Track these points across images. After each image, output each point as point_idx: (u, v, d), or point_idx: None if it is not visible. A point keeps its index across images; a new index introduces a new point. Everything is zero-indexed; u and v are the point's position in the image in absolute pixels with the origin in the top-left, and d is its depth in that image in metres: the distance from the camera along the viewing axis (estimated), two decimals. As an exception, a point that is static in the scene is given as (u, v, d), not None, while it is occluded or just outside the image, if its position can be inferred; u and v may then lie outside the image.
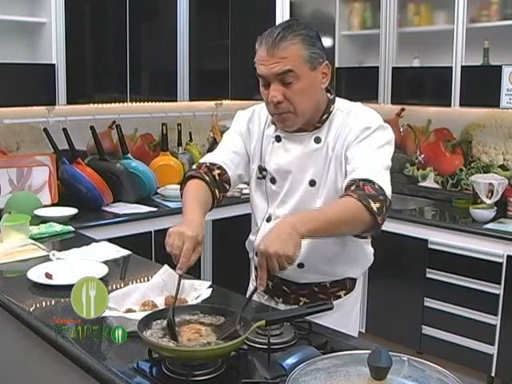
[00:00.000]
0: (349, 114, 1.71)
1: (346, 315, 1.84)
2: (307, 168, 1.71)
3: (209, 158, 1.83)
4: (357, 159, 1.62)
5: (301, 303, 1.81)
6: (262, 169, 1.80)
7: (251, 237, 1.88)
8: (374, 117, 1.70)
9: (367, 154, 1.62)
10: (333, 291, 1.81)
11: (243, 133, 1.84)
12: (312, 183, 1.71)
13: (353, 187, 1.55)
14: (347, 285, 1.84)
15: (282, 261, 1.38)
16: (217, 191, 1.76)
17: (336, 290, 1.82)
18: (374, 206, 1.50)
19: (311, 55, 1.61)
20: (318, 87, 1.67)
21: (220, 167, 1.79)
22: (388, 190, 1.57)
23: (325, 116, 1.72)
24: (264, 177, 1.80)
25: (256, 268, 1.94)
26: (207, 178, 1.75)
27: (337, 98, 1.76)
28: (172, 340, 1.34)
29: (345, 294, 1.83)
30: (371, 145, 1.63)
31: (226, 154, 1.82)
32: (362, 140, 1.64)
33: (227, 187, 1.81)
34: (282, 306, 1.84)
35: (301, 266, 1.74)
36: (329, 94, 1.75)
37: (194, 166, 1.83)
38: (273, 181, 1.78)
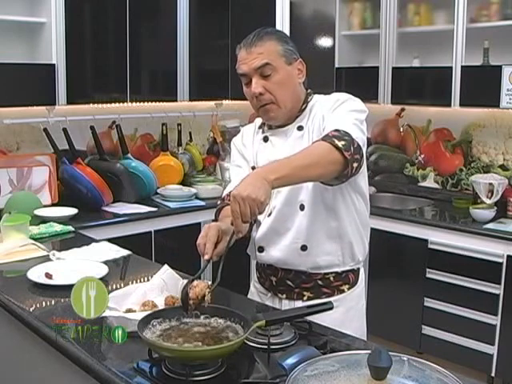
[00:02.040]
0: (325, 101, 1.83)
1: (350, 310, 1.88)
2: None
3: (227, 191, 1.91)
4: (329, 121, 1.72)
5: (304, 297, 1.84)
6: (254, 169, 1.86)
7: (253, 234, 1.90)
8: (344, 93, 1.82)
9: (339, 116, 1.71)
10: (336, 285, 1.85)
11: (241, 149, 1.96)
12: None
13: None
14: (350, 279, 1.87)
15: (254, 205, 1.42)
16: None
17: (339, 284, 1.85)
18: (339, 143, 1.57)
19: (286, 50, 1.77)
20: (296, 81, 1.81)
21: None
22: (354, 134, 1.63)
23: (304, 106, 1.84)
24: None
25: (257, 268, 1.95)
26: None
27: (316, 94, 1.89)
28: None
29: (348, 289, 1.87)
30: (343, 109, 1.74)
31: (238, 180, 1.88)
32: (335, 109, 1.75)
33: None
34: (285, 302, 1.87)
35: (304, 248, 1.79)
36: (306, 90, 1.88)
37: (218, 202, 1.92)
38: None
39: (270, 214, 1.84)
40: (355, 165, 1.60)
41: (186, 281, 1.73)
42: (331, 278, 1.84)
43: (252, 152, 1.91)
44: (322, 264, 1.82)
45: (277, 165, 1.54)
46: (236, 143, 1.99)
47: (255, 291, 1.98)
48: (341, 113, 1.73)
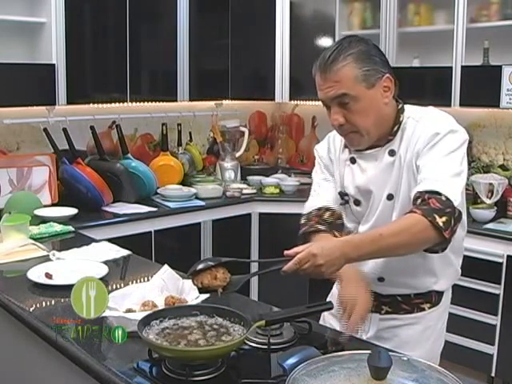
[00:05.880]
0: (419, 121, 1.66)
1: (428, 329, 1.77)
2: (385, 183, 1.68)
3: (313, 205, 1.81)
4: (425, 168, 1.58)
5: (383, 311, 1.76)
6: (342, 194, 1.77)
7: None
8: (443, 121, 1.64)
9: (436, 162, 1.57)
10: (416, 303, 1.76)
11: (327, 164, 1.82)
12: (390, 197, 1.68)
13: (418, 201, 1.53)
14: (433, 298, 1.77)
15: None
16: (336, 233, 1.75)
17: (420, 302, 1.76)
18: (440, 220, 1.47)
19: (366, 73, 1.58)
20: (380, 103, 1.63)
21: (328, 208, 1.78)
22: (456, 201, 1.54)
23: (396, 127, 1.68)
24: (347, 202, 1.77)
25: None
26: (321, 227, 1.74)
27: (407, 106, 1.73)
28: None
29: (429, 308, 1.77)
30: (440, 151, 1.58)
31: (325, 194, 1.81)
32: (432, 147, 1.59)
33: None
34: None
35: (381, 279, 1.73)
36: (397, 104, 1.72)
37: (303, 221, 1.79)
38: (357, 203, 1.75)
39: None
40: (452, 236, 1.52)
41: (184, 282, 1.73)
42: (411, 296, 1.75)
43: (339, 173, 1.78)
44: (401, 293, 1.74)
45: (364, 240, 1.49)
46: (321, 155, 1.84)
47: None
48: (441, 159, 1.56)
